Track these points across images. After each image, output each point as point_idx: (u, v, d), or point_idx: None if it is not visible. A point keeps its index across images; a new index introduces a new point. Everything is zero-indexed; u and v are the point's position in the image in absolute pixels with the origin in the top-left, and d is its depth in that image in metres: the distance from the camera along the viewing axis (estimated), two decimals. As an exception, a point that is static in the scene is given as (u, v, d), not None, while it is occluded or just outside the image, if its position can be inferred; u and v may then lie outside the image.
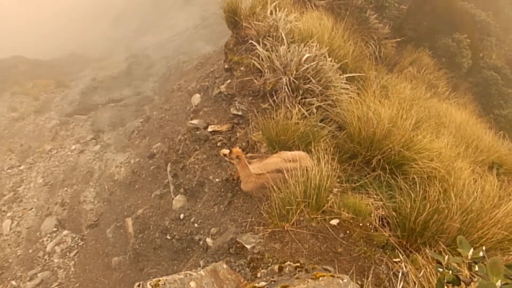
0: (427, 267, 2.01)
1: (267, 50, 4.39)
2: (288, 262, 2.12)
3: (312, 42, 4.37)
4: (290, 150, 3.37)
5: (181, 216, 4.59)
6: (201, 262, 3.41)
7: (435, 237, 2.48)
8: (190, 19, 16.40)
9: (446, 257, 1.31)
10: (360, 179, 3.29)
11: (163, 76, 12.61)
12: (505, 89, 7.86)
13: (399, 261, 2.32)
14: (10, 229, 7.17)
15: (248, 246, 2.57)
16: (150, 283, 1.64)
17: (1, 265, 6.51)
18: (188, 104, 7.74)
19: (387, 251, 2.58)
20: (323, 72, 4.11)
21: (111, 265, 5.68)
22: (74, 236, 6.68)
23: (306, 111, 3.81)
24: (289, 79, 3.97)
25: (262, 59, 4.38)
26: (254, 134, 3.91)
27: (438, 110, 5.36)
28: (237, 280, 1.96)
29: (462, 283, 1.26)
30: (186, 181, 4.84)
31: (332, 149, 3.33)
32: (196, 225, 4.26)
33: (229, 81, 5.00)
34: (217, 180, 4.23)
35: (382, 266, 2.39)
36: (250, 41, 4.69)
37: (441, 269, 1.28)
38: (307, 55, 4.07)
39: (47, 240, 6.76)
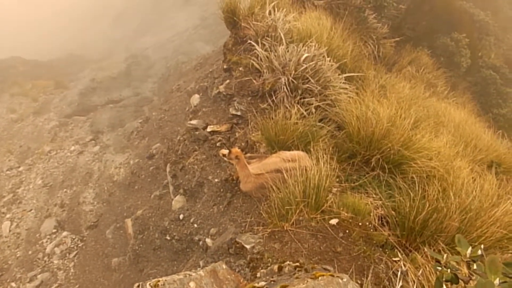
0: (427, 266, 2.01)
1: (265, 50, 4.38)
2: (288, 262, 2.12)
3: (310, 42, 4.37)
4: (289, 150, 3.37)
5: (181, 216, 4.59)
6: (201, 263, 3.41)
7: (434, 236, 2.48)
8: (190, 19, 16.42)
9: (445, 255, 1.32)
10: (359, 178, 3.29)
11: (162, 76, 12.61)
12: (504, 88, 7.86)
13: (398, 260, 2.32)
14: (10, 230, 7.16)
15: (248, 246, 2.56)
16: (149, 284, 1.64)
17: (0, 266, 6.50)
18: (187, 105, 7.73)
19: (386, 250, 2.58)
20: (322, 72, 4.11)
21: (110, 266, 5.67)
22: (74, 237, 6.67)
23: (305, 111, 3.80)
24: (288, 79, 3.97)
25: (261, 59, 4.37)
26: (253, 134, 3.91)
27: (437, 110, 5.36)
28: (237, 280, 1.96)
29: (461, 282, 1.26)
30: (186, 181, 4.84)
31: (331, 148, 3.34)
32: (195, 225, 4.26)
33: (228, 81, 5.00)
34: (216, 180, 4.23)
35: (382, 265, 2.39)
36: (249, 41, 4.69)
37: (439, 268, 1.29)
38: (305, 55, 4.06)
39: (46, 241, 6.75)
